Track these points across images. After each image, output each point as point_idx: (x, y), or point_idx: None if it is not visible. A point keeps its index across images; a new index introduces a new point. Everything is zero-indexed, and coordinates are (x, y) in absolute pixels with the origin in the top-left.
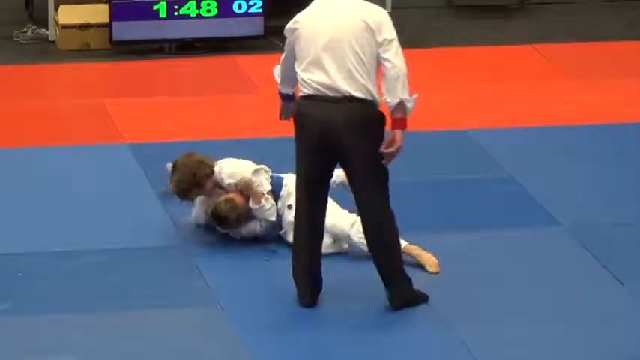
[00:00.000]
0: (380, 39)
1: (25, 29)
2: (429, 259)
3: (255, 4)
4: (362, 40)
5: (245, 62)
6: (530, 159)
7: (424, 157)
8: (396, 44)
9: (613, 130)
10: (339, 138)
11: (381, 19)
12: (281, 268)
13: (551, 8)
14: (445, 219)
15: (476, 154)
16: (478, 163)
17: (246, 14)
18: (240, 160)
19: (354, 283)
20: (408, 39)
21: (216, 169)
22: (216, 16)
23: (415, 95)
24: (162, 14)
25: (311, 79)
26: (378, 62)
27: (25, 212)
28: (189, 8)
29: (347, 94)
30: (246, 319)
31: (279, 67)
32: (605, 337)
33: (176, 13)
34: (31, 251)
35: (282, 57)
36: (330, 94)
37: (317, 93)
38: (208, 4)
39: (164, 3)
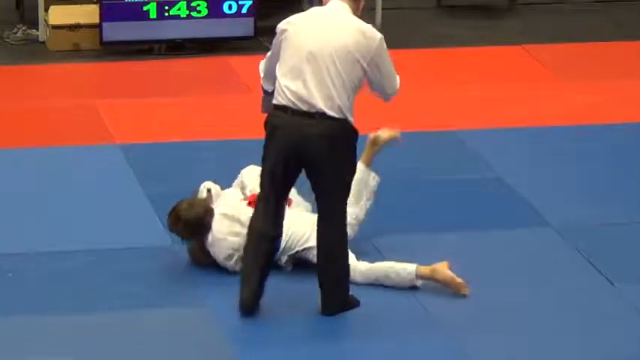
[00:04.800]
0: (374, 66)
1: (15, 30)
2: (450, 281)
3: (245, 4)
4: (347, 60)
5: (235, 63)
6: (519, 159)
7: (413, 158)
8: (387, 72)
9: (603, 130)
10: (308, 151)
11: (374, 44)
12: (271, 270)
13: (541, 8)
14: (435, 219)
15: (465, 155)
16: (468, 163)
17: (237, 15)
18: (235, 208)
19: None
20: (398, 39)
21: (215, 217)
22: (206, 17)
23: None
24: (153, 15)
25: (288, 87)
26: (360, 85)
27: (14, 212)
28: (179, 9)
29: (320, 110)
30: (235, 320)
31: (264, 62)
32: (602, 338)
33: (166, 14)
34: (22, 251)
35: (269, 53)
36: (304, 107)
37: (290, 105)
38: (199, 5)
39: (154, 3)
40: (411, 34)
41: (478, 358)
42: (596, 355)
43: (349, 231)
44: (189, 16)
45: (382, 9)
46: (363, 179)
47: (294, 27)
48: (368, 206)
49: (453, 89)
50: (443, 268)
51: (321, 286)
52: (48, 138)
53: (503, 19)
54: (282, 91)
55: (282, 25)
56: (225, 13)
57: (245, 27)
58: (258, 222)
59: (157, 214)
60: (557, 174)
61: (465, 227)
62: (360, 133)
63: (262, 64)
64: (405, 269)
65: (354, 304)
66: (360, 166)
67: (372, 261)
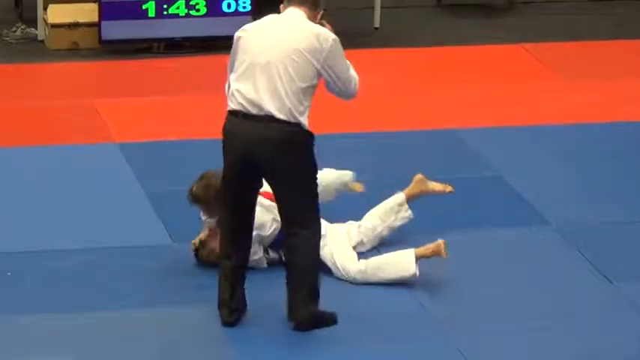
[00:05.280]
0: (328, 68)
1: (15, 28)
2: (439, 253)
3: (244, 3)
4: (299, 64)
5: None
6: (519, 158)
7: (414, 157)
8: (344, 76)
9: (602, 129)
10: (257, 156)
11: (328, 47)
12: (272, 267)
13: (540, 7)
14: (435, 219)
15: (465, 154)
16: (468, 162)
17: (235, 13)
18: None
19: (345, 294)
20: (397, 38)
21: None
22: (205, 16)
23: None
24: (152, 13)
25: (239, 90)
26: (314, 88)
27: (14, 211)
28: (178, 7)
29: (269, 113)
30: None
31: (227, 83)
32: (601, 337)
33: (165, 13)
34: (21, 250)
35: (228, 70)
36: (253, 111)
37: (240, 109)
38: (197, 3)
39: (153, 2)
40: (410, 33)
41: (477, 358)
42: (596, 354)
43: (356, 238)
44: (187, 15)
45: (381, 7)
46: (394, 208)
47: (248, 34)
48: (383, 232)
49: (452, 88)
50: (439, 247)
51: (290, 302)
52: (47, 137)
53: (503, 17)
54: (234, 95)
55: (237, 34)
56: (223, 11)
57: (243, 25)
58: (227, 235)
59: (156, 213)
60: (557, 173)
61: (464, 226)
62: (359, 129)
63: (226, 87)
64: (400, 255)
65: (329, 321)
66: (400, 197)
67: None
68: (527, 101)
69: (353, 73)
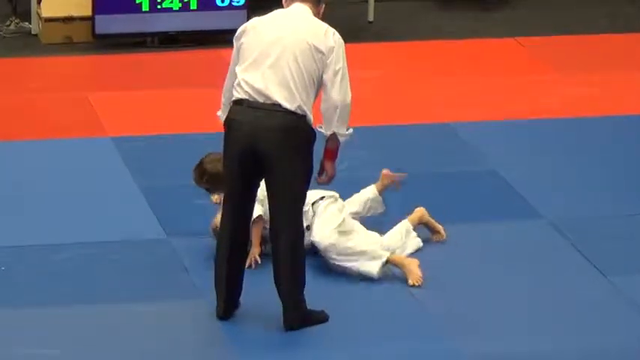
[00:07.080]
0: (328, 65)
1: (8, 22)
2: (412, 272)
3: None
4: (309, 57)
5: (228, 55)
6: (513, 152)
7: (407, 150)
8: (340, 76)
9: (596, 122)
10: (261, 144)
11: (334, 45)
12: (265, 261)
13: (534, 0)
14: (429, 212)
15: (459, 147)
16: (461, 156)
17: (229, 7)
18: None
19: (344, 293)
20: (391, 32)
21: None
22: (199, 9)
23: (350, 131)
24: (145, 7)
25: (245, 80)
26: (319, 84)
27: (7, 205)
28: (172, 1)
29: (276, 102)
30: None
31: (223, 91)
32: (596, 331)
33: (159, 7)
34: (14, 245)
35: (227, 78)
36: (260, 99)
37: (247, 97)
38: None
39: None
40: (404, 27)
41: (476, 356)
42: (594, 350)
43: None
44: (181, 9)
45: (375, 1)
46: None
47: (255, 27)
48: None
49: (446, 82)
50: (413, 265)
51: (282, 301)
52: (40, 131)
53: (496, 11)
54: (240, 84)
55: (241, 28)
56: (217, 5)
57: (238, 19)
58: (226, 227)
59: (150, 207)
60: (551, 166)
61: (457, 220)
62: (353, 124)
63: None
64: (374, 258)
65: (320, 319)
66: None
67: None
68: (521, 95)
69: (348, 82)
